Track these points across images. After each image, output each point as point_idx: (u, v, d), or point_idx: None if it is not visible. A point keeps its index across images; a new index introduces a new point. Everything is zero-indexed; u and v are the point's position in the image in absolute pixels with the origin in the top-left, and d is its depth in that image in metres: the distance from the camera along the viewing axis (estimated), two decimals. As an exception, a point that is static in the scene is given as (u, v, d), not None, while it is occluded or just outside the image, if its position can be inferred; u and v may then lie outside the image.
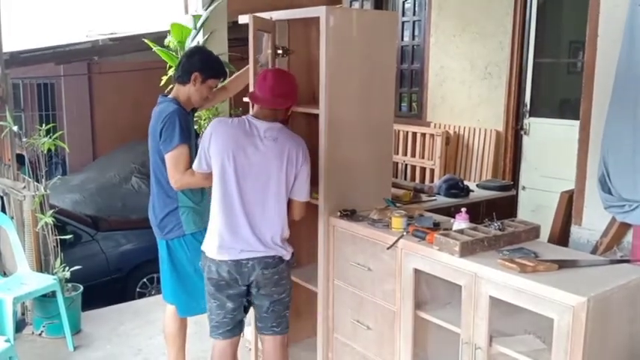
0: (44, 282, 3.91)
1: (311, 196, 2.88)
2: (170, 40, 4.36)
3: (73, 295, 4.15)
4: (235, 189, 2.67)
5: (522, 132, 5.70)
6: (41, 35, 7.52)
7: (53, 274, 4.04)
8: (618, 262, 2.42)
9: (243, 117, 2.82)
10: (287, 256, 2.78)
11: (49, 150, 4.27)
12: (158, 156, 2.99)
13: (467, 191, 4.23)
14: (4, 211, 4.36)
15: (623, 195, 2.73)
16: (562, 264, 2.25)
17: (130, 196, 8.14)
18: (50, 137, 4.16)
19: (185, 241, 3.06)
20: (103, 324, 4.32)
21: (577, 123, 3.30)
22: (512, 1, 5.58)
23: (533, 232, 2.62)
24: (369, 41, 3.00)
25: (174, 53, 4.39)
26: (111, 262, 5.88)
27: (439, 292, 2.59)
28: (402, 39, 7.04)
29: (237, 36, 4.52)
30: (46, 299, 4.04)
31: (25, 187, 4.27)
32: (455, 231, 2.53)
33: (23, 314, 4.28)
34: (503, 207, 4.31)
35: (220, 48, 4.28)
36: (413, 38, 6.95)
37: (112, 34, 7.57)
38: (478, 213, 3.62)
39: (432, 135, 6.35)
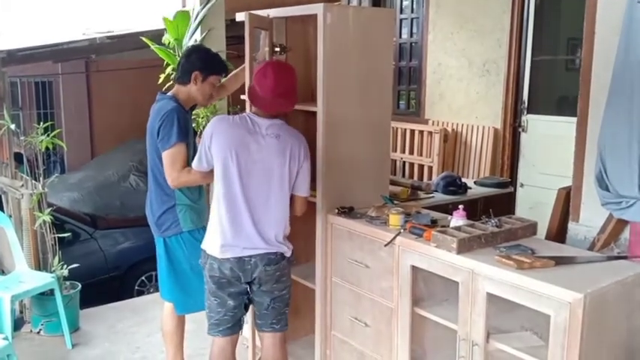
0: (42, 280, 3.91)
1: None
2: (167, 38, 4.35)
3: (71, 293, 4.15)
4: (239, 187, 2.67)
5: (520, 129, 5.71)
6: (39, 33, 7.50)
7: (51, 273, 4.04)
8: (615, 259, 2.43)
9: (244, 114, 2.83)
10: (288, 253, 2.80)
11: (47, 148, 4.27)
12: (156, 154, 2.99)
13: (464, 188, 4.22)
14: (2, 209, 4.36)
15: (620, 192, 2.73)
16: (559, 260, 2.26)
17: (128, 195, 8.13)
18: (48, 135, 4.15)
19: (182, 239, 3.06)
20: (101, 322, 4.32)
21: (575, 120, 3.30)
22: (509, -2, 5.59)
23: (530, 228, 2.63)
24: (367, 38, 3.00)
25: (171, 51, 4.38)
26: (109, 260, 5.88)
27: (436, 289, 2.60)
28: (400, 36, 7.04)
29: (235, 34, 4.51)
30: (44, 297, 4.04)
31: (23, 185, 4.27)
32: (452, 228, 2.54)
33: (21, 312, 4.28)
34: (501, 204, 4.31)
35: (218, 46, 4.27)
36: (411, 35, 6.96)
37: (109, 32, 7.55)
38: (476, 210, 3.62)
39: (430, 132, 6.36)
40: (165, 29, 4.38)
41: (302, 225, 3.05)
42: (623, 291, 2.19)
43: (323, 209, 2.98)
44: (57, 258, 4.12)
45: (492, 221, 2.58)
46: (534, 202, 5.31)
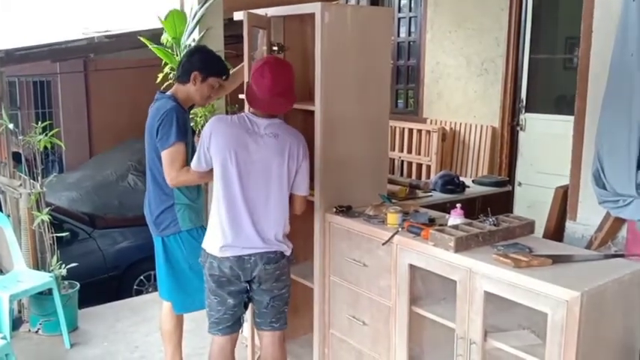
0: (41, 279, 3.91)
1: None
2: (165, 38, 4.35)
3: (70, 292, 4.15)
4: (238, 187, 2.67)
5: (518, 128, 5.72)
6: (37, 32, 7.50)
7: (50, 272, 4.04)
8: (612, 257, 2.43)
9: (242, 114, 2.83)
10: (287, 252, 2.80)
11: (46, 148, 4.27)
12: (155, 153, 2.99)
13: (462, 187, 4.23)
14: (0, 209, 4.36)
15: (617, 190, 2.73)
16: (556, 259, 2.27)
17: (126, 194, 8.13)
18: (46, 135, 4.16)
19: (181, 238, 3.06)
20: (100, 321, 4.32)
21: (573, 119, 3.31)
22: (507, -3, 5.60)
23: (528, 227, 2.64)
24: (365, 37, 3.00)
25: (169, 50, 4.39)
26: (108, 259, 5.88)
27: (434, 288, 2.60)
28: (398, 35, 7.04)
29: (233, 33, 4.51)
30: (42, 297, 4.04)
31: (21, 184, 4.27)
32: (450, 227, 2.54)
33: (20, 312, 4.28)
34: (498, 203, 4.31)
35: (216, 45, 4.27)
36: (409, 34, 6.96)
37: (107, 31, 7.55)
38: (474, 209, 3.62)
39: (428, 131, 6.36)
40: (163, 28, 4.38)
41: (300, 224, 3.05)
42: (620, 289, 2.20)
43: (321, 208, 2.98)
44: (55, 257, 4.13)
45: (490, 220, 2.58)
46: (532, 200, 5.32)
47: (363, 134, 3.08)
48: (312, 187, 2.93)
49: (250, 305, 2.93)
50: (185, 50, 4.15)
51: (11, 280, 3.86)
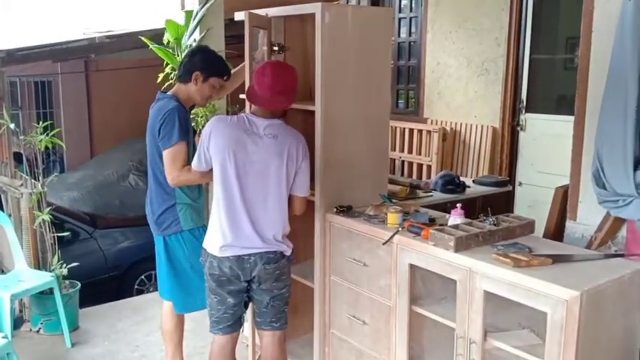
0: (42, 279, 3.92)
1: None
2: (167, 38, 4.37)
3: (71, 292, 4.16)
4: (236, 187, 2.68)
5: (519, 128, 5.72)
6: (38, 33, 7.51)
7: (51, 272, 4.04)
8: (612, 257, 2.44)
9: (242, 114, 2.83)
10: (288, 252, 2.80)
11: (47, 148, 4.28)
12: (156, 153, 3.00)
13: (463, 187, 4.23)
14: (1, 208, 4.37)
15: (617, 190, 2.73)
16: (556, 258, 2.27)
17: (127, 194, 8.13)
18: (47, 135, 4.16)
19: (182, 238, 3.07)
20: (101, 321, 4.33)
21: (573, 119, 3.31)
22: (508, -3, 5.60)
23: (528, 227, 2.64)
24: (365, 37, 3.01)
25: (171, 51, 4.40)
26: (109, 259, 5.89)
27: (434, 287, 2.61)
28: (399, 35, 7.05)
29: (234, 33, 4.52)
30: (43, 296, 4.05)
31: (22, 184, 4.28)
32: (450, 226, 2.55)
33: (21, 311, 4.29)
34: (499, 203, 4.32)
35: (217, 45, 4.28)
36: (409, 34, 6.96)
37: (108, 31, 7.56)
38: (474, 209, 3.62)
39: (428, 131, 6.36)
40: (165, 29, 4.40)
41: (301, 224, 3.06)
42: (620, 289, 2.20)
43: (321, 208, 2.99)
44: (56, 257, 4.14)
45: (490, 219, 2.59)
46: (533, 200, 5.32)
47: (364, 134, 3.09)
48: (312, 187, 2.93)
49: (251, 305, 2.94)
50: (186, 50, 4.16)
51: (12, 280, 3.87)
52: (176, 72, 3.42)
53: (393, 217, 2.72)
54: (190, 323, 3.54)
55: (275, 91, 2.70)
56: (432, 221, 2.74)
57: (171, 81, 4.13)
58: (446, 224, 2.61)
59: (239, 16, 3.16)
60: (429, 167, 6.31)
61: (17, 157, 4.67)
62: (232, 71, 3.25)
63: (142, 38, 4.52)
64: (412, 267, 2.56)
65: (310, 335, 3.23)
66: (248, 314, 3.05)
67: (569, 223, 3.19)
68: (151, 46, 4.42)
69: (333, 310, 3.06)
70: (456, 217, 2.64)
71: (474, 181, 4.62)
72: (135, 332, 4.17)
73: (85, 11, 8.13)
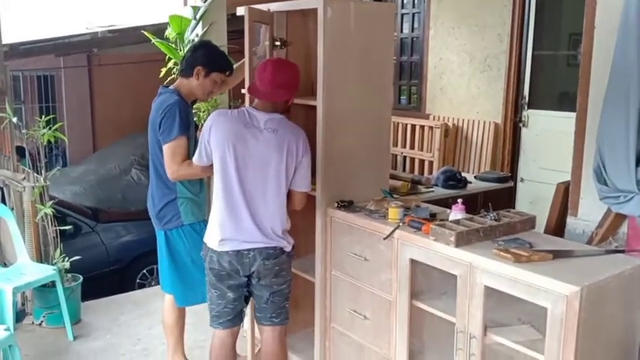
0: (44, 272, 3.93)
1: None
2: (169, 33, 4.37)
3: (73, 285, 4.17)
4: (236, 180, 2.68)
5: (521, 124, 5.72)
6: (41, 27, 7.52)
7: (53, 265, 4.06)
8: (613, 253, 2.44)
9: (243, 108, 2.83)
10: (288, 248, 2.80)
11: (49, 142, 4.28)
12: (157, 147, 3.00)
13: (464, 183, 4.24)
14: (4, 202, 4.38)
15: (618, 186, 2.74)
16: (557, 254, 2.27)
17: (129, 188, 8.16)
18: (50, 129, 4.17)
19: (183, 232, 3.08)
20: (103, 314, 4.35)
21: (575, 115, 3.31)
22: (511, -7, 5.60)
23: (529, 222, 2.64)
24: (367, 32, 3.01)
25: (173, 45, 4.40)
26: (111, 253, 5.90)
27: (435, 282, 2.61)
28: (402, 31, 7.05)
29: (237, 28, 4.53)
30: (45, 289, 4.06)
31: (24, 178, 4.29)
32: (451, 221, 2.55)
33: (23, 304, 4.30)
34: (501, 198, 4.33)
35: (219, 40, 4.29)
36: (412, 30, 6.96)
37: (111, 26, 7.57)
38: (476, 204, 3.62)
39: (431, 127, 6.37)
40: (167, 23, 4.40)
41: (302, 218, 3.06)
42: (620, 284, 2.20)
43: (323, 203, 2.99)
44: (58, 250, 4.15)
45: (491, 215, 2.59)
46: (535, 196, 5.33)
47: (365, 129, 3.09)
48: (313, 182, 2.93)
49: (251, 299, 2.94)
50: (188, 45, 4.16)
51: (15, 273, 3.88)
52: (178, 67, 3.42)
53: (394, 212, 2.73)
54: (191, 317, 3.55)
55: (275, 85, 2.70)
56: (432, 216, 2.74)
57: (173, 76, 4.13)
58: (447, 219, 2.61)
59: (241, 11, 3.16)
60: (431, 163, 6.32)
61: (20, 151, 4.68)
62: (234, 66, 3.25)
63: (145, 33, 4.52)
64: (413, 262, 2.57)
65: (311, 329, 3.24)
66: (248, 308, 3.05)
67: (570, 219, 3.19)
68: (153, 41, 4.42)
69: (333, 305, 3.07)
70: (456, 213, 2.65)
71: (475, 177, 4.63)
72: (137, 326, 4.18)
73: (88, 5, 8.14)
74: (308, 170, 2.79)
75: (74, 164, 9.64)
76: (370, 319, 2.85)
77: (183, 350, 3.38)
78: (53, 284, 3.96)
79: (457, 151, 6.31)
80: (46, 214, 4.10)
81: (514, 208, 4.77)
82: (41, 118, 4.25)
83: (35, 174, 4.27)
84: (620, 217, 2.93)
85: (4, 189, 4.43)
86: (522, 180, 5.69)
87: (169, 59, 4.41)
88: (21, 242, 4.05)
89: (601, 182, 2.84)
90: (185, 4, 4.63)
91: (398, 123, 6.61)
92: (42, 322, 4.14)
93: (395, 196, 3.19)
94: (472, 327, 2.32)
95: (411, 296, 2.61)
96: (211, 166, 2.76)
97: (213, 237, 2.74)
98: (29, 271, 3.93)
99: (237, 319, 2.90)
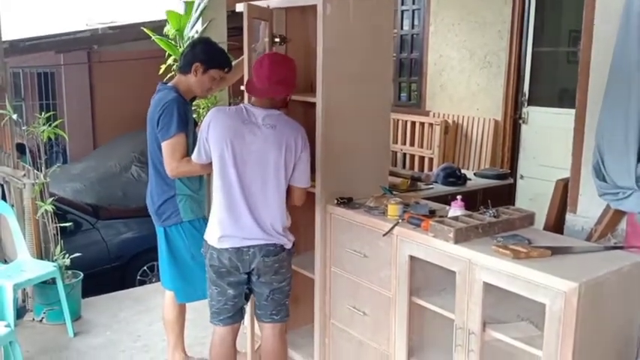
0: (44, 269, 3.94)
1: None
2: (168, 29, 4.37)
3: (73, 282, 4.18)
4: (235, 176, 2.68)
5: (521, 121, 5.72)
6: (41, 24, 7.52)
7: (53, 262, 4.07)
8: (612, 249, 2.44)
9: (241, 105, 2.83)
10: (288, 245, 2.80)
11: (49, 139, 4.29)
12: (156, 144, 3.01)
13: (464, 179, 4.24)
14: (4, 199, 4.39)
15: (617, 182, 2.73)
16: (555, 250, 2.27)
17: (130, 185, 8.15)
18: (50, 125, 4.17)
19: (182, 229, 3.09)
20: (103, 311, 4.36)
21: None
22: (511, -11, 5.59)
23: (528, 219, 2.64)
24: (367, 29, 3.01)
25: (172, 42, 4.40)
26: (111, 250, 5.90)
27: (434, 279, 2.61)
28: (402, 28, 7.04)
29: (236, 25, 4.52)
30: (46, 286, 4.07)
31: (25, 175, 4.30)
32: (450, 218, 2.55)
33: (24, 301, 4.31)
34: (500, 195, 4.33)
35: (219, 37, 4.29)
36: (412, 27, 6.95)
37: (111, 22, 7.57)
38: (475, 201, 3.62)
39: (430, 124, 6.37)
40: (166, 20, 4.40)
41: (301, 215, 3.07)
42: (619, 281, 2.21)
43: (322, 200, 3.00)
44: (59, 247, 4.16)
45: (490, 211, 2.59)
46: (534, 193, 5.33)
47: (365, 126, 3.09)
48: (312, 179, 2.94)
49: (252, 296, 2.95)
50: (188, 42, 4.16)
51: (15, 270, 3.89)
52: (177, 63, 3.42)
53: (393, 209, 2.73)
54: (192, 313, 3.55)
55: (272, 81, 2.71)
56: (432, 213, 2.74)
57: (173, 72, 4.14)
58: (446, 216, 2.61)
59: (240, 7, 3.16)
60: (431, 160, 6.32)
61: (20, 148, 4.69)
62: (233, 63, 3.25)
63: (145, 29, 4.52)
64: (412, 258, 2.57)
65: (311, 326, 3.25)
66: (248, 306, 3.06)
67: (569, 216, 3.19)
68: (153, 38, 4.42)
69: (333, 301, 3.07)
70: (456, 209, 2.65)
71: (475, 174, 4.63)
72: (137, 322, 4.19)
73: (88, 2, 8.14)
74: (307, 166, 2.79)
75: (74, 161, 9.64)
76: (369, 315, 2.85)
77: (183, 346, 3.38)
78: (54, 281, 3.97)
79: (457, 148, 6.31)
80: (46, 210, 4.11)
81: (514, 205, 4.77)
82: (41, 115, 4.25)
83: (35, 171, 4.28)
84: (619, 214, 2.92)
85: (5, 186, 4.44)
86: (522, 177, 5.69)
87: (169, 56, 4.41)
88: (21, 239, 4.06)
89: (600, 178, 2.83)
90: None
91: (398, 120, 6.61)
92: (42, 318, 4.15)
93: (394, 192, 3.20)
94: (471, 323, 2.33)
95: (410, 293, 2.61)
96: (211, 163, 2.76)
97: (213, 234, 2.75)
98: (30, 267, 3.94)
99: (237, 316, 2.90)
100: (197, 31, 4.38)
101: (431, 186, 4.08)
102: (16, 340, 3.19)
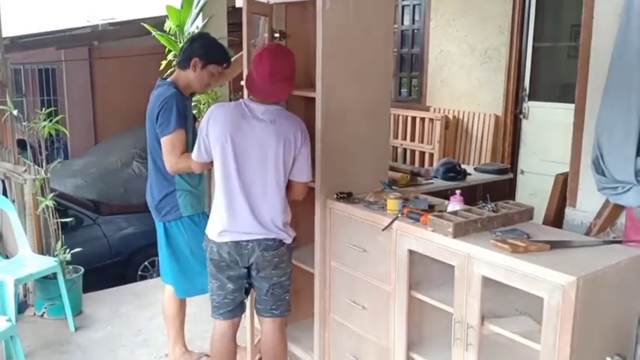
0: (45, 264, 3.95)
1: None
2: (168, 25, 4.37)
3: (74, 277, 4.20)
4: (234, 171, 2.68)
5: (521, 116, 5.72)
6: (42, 20, 7.52)
7: (54, 257, 4.08)
8: (610, 243, 2.44)
9: (240, 100, 2.83)
10: (288, 240, 2.80)
11: (50, 135, 4.30)
12: (155, 139, 3.01)
13: (464, 174, 4.24)
14: (5, 194, 4.40)
15: (616, 177, 2.73)
16: (554, 244, 2.27)
17: (131, 181, 8.18)
18: (50, 121, 4.18)
19: (182, 224, 3.09)
20: (104, 305, 4.37)
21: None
22: (512, -16, 5.59)
23: (527, 213, 2.65)
24: (367, 24, 3.01)
25: (173, 38, 4.40)
26: (112, 245, 5.93)
27: (433, 273, 2.62)
28: (402, 23, 7.03)
29: (237, 20, 4.53)
30: (47, 281, 4.09)
31: (25, 170, 4.31)
32: (449, 213, 2.55)
33: (25, 296, 4.33)
34: (500, 190, 4.33)
35: (219, 33, 4.29)
36: (413, 22, 6.95)
37: (112, 18, 7.57)
38: (475, 196, 3.62)
39: (431, 119, 6.37)
40: (167, 16, 4.40)
41: (301, 210, 3.07)
42: (617, 275, 2.21)
43: (322, 194, 3.00)
44: (60, 242, 4.17)
45: (489, 206, 2.60)
46: (535, 188, 5.33)
47: (365, 121, 3.09)
48: (313, 174, 2.94)
49: (252, 291, 2.96)
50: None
51: (16, 265, 3.91)
52: (175, 60, 3.43)
53: (392, 204, 2.73)
54: (193, 308, 3.57)
55: (274, 80, 2.69)
56: (431, 207, 2.75)
57: (173, 68, 4.14)
58: (445, 211, 2.62)
59: (240, 3, 3.16)
60: (432, 155, 6.32)
61: (21, 144, 4.70)
62: (232, 59, 3.25)
63: (145, 25, 4.52)
64: (411, 252, 2.58)
65: (310, 320, 3.26)
66: (248, 300, 3.07)
67: (568, 210, 3.19)
68: (153, 34, 4.42)
69: (333, 295, 3.08)
70: (455, 204, 2.65)
71: (475, 169, 4.64)
72: (137, 317, 4.21)
73: (89, -2, 8.14)
74: (308, 160, 2.79)
75: (75, 157, 9.66)
76: (369, 309, 2.86)
77: (183, 341, 3.40)
78: (55, 276, 3.99)
79: (457, 143, 6.31)
80: (47, 206, 4.12)
81: (514, 199, 4.78)
82: (42, 111, 4.26)
83: (36, 166, 4.29)
84: (618, 208, 2.93)
85: (6, 181, 4.45)
86: (522, 172, 5.69)
87: (169, 52, 4.41)
88: (22, 234, 4.07)
89: (599, 173, 2.83)
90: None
91: (398, 115, 6.61)
92: (43, 313, 4.17)
93: (394, 187, 3.20)
94: (470, 317, 2.33)
95: (409, 287, 2.62)
96: (210, 161, 2.76)
97: (214, 228, 2.75)
98: (31, 262, 3.95)
99: (237, 310, 2.91)
100: (197, 27, 4.38)
101: (431, 181, 4.08)
102: (18, 334, 3.21)
